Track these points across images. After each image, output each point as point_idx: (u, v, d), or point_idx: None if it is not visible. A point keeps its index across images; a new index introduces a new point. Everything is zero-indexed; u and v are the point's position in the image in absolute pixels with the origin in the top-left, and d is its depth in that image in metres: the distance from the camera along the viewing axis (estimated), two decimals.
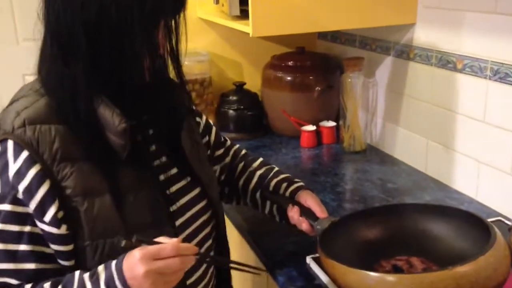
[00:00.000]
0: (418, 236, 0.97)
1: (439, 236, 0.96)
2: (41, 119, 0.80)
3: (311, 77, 1.83)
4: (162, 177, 0.92)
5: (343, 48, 1.90)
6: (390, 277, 0.79)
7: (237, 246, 1.36)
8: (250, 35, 1.35)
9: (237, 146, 1.22)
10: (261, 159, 1.20)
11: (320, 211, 1.01)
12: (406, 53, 1.54)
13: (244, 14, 1.58)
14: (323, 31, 1.92)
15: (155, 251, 0.75)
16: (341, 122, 1.76)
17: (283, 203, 1.06)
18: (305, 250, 1.13)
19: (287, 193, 1.08)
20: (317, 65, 1.87)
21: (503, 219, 1.21)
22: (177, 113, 0.96)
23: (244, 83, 1.96)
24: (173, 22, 0.84)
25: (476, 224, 0.89)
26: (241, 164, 1.17)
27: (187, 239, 0.93)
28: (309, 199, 1.04)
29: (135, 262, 0.74)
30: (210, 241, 1.01)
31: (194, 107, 1.10)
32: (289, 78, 1.85)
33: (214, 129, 1.16)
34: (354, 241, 0.98)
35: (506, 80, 1.19)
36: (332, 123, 1.83)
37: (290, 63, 1.87)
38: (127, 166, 0.84)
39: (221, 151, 1.17)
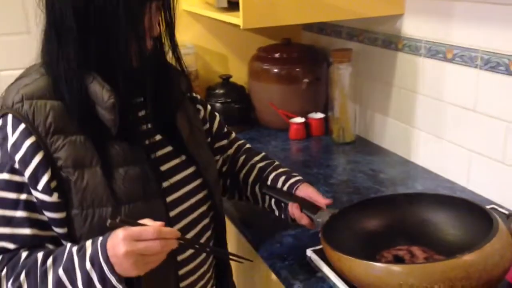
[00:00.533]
0: (418, 225, 0.98)
1: (439, 225, 0.96)
2: (38, 95, 0.86)
3: (298, 69, 1.83)
4: (155, 154, 0.95)
5: (329, 39, 1.90)
6: (399, 268, 0.79)
7: (234, 241, 1.36)
8: (241, 27, 1.33)
9: (242, 140, 1.25)
10: (263, 153, 1.21)
11: (322, 199, 1.03)
12: (394, 43, 1.55)
13: (231, 6, 1.57)
14: (313, 22, 1.91)
15: (137, 232, 0.78)
16: (330, 114, 1.76)
17: (282, 197, 1.07)
18: (303, 243, 1.13)
19: (285, 187, 1.09)
20: (304, 56, 1.86)
21: (496, 207, 1.23)
22: (173, 95, 0.99)
23: (231, 76, 1.94)
24: (165, 5, 0.88)
25: (475, 212, 0.90)
26: (243, 157, 1.18)
27: (180, 217, 0.96)
28: (309, 190, 1.06)
29: (118, 241, 0.77)
30: (207, 220, 1.02)
31: (198, 97, 1.13)
32: (276, 70, 1.84)
33: (217, 119, 1.18)
34: (355, 232, 0.98)
35: (497, 70, 1.20)
36: (320, 115, 1.83)
37: (276, 55, 1.86)
38: (120, 142, 0.89)
39: (223, 142, 1.18)
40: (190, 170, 0.99)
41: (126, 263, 0.77)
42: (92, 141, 0.86)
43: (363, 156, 1.62)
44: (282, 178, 1.10)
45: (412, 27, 1.46)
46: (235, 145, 1.21)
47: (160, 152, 0.96)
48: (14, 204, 0.84)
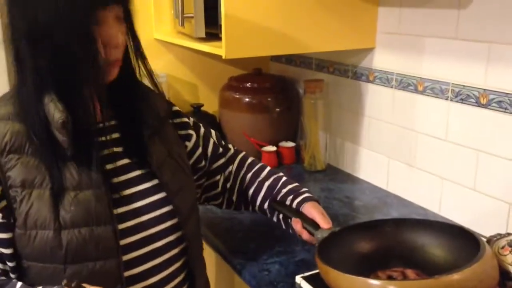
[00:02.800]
0: (413, 249, 1.01)
1: (433, 249, 1.01)
2: (0, 117, 0.88)
3: (269, 98, 1.86)
4: (119, 179, 0.94)
5: (298, 70, 1.95)
6: (395, 285, 0.82)
7: (215, 270, 1.35)
8: (223, 57, 1.36)
9: (243, 153, 1.28)
10: (268, 168, 1.25)
11: (323, 221, 1.06)
12: (365, 75, 1.61)
13: (208, 36, 1.59)
14: (291, 53, 1.97)
15: None
16: (301, 142, 1.80)
17: (289, 213, 1.13)
18: (290, 269, 1.15)
19: (294, 205, 1.13)
20: (275, 86, 1.90)
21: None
22: (147, 117, 0.99)
23: (202, 105, 1.96)
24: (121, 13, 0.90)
25: (465, 237, 0.95)
26: (250, 175, 1.21)
27: (135, 246, 0.93)
28: (313, 211, 1.09)
29: None
30: (176, 250, 1.00)
31: (189, 121, 1.15)
32: (247, 99, 1.87)
33: (212, 141, 1.20)
34: (352, 251, 1.01)
35: (467, 101, 1.28)
36: (291, 144, 1.87)
37: (248, 85, 1.89)
38: (77, 164, 0.88)
39: (221, 161, 1.21)
40: (158, 196, 0.97)
41: None
42: (45, 163, 0.86)
43: (335, 184, 1.66)
44: (291, 197, 1.15)
45: (383, 60, 1.54)
46: (237, 160, 1.24)
47: (123, 177, 0.94)
48: None
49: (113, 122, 0.98)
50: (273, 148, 1.83)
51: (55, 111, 0.85)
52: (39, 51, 0.85)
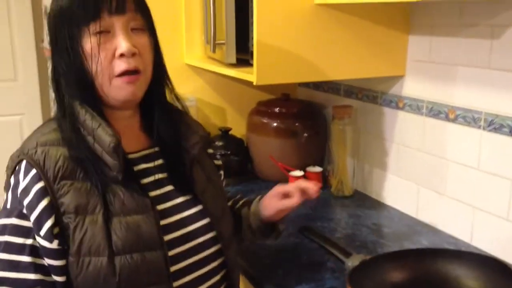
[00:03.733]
0: (447, 281, 1.00)
1: (467, 281, 0.99)
2: (51, 142, 0.89)
3: (297, 124, 1.87)
4: (164, 205, 0.94)
5: (326, 95, 1.96)
6: None
7: None
8: (254, 83, 1.38)
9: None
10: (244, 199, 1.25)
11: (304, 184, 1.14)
12: (395, 102, 1.61)
13: (238, 62, 1.62)
14: (321, 80, 1.98)
15: None
16: (329, 168, 1.80)
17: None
18: None
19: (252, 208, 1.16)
20: (303, 111, 1.91)
21: None
22: (189, 144, 1.00)
23: (230, 129, 1.98)
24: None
25: (500, 270, 0.94)
26: (244, 211, 1.20)
27: (184, 273, 0.94)
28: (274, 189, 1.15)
29: None
30: (217, 277, 1.01)
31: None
32: (275, 124, 1.88)
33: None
34: (383, 281, 1.01)
35: (501, 131, 1.27)
36: (318, 169, 1.87)
37: (276, 110, 1.90)
38: (126, 189, 0.89)
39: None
40: (203, 222, 0.98)
41: None
42: (96, 188, 0.87)
43: (362, 210, 1.65)
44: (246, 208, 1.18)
45: (413, 88, 1.54)
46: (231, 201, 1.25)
47: (169, 203, 0.95)
48: (20, 249, 0.85)
49: (157, 149, 1.00)
50: (301, 173, 1.84)
51: (106, 136, 0.87)
52: (59, 73, 0.92)
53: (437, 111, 1.45)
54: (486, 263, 1.00)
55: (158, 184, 0.95)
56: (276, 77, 1.41)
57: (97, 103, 0.91)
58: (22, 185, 0.86)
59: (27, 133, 3.20)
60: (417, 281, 1.04)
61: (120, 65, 0.88)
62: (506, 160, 1.27)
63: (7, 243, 0.85)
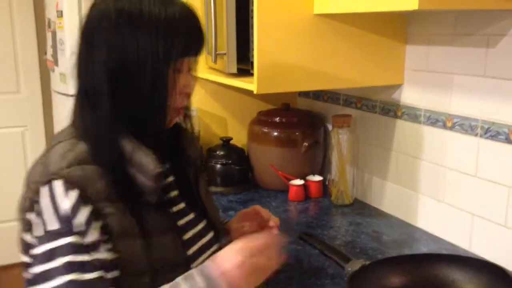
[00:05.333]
0: (445, 285, 1.02)
1: (464, 285, 1.01)
2: (86, 160, 0.86)
3: (297, 133, 1.89)
4: (181, 221, 0.98)
5: (325, 105, 1.99)
6: None
7: None
8: (255, 92, 1.40)
9: None
10: None
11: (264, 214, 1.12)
12: (393, 111, 1.64)
13: (239, 72, 1.64)
14: (319, 89, 2.01)
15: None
16: (328, 177, 1.82)
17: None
18: None
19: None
20: (303, 121, 1.94)
21: None
22: (195, 161, 1.04)
23: (231, 138, 2.00)
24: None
25: (498, 275, 0.95)
26: None
27: None
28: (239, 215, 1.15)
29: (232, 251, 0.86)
30: None
31: None
32: (275, 133, 1.90)
33: None
34: (382, 286, 1.02)
35: (497, 138, 1.29)
36: (318, 177, 1.88)
37: (276, 119, 1.93)
38: (153, 209, 0.90)
39: None
40: (210, 235, 1.02)
41: (243, 271, 0.82)
42: (132, 209, 0.86)
43: (362, 218, 1.66)
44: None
45: (411, 96, 1.56)
46: None
47: (184, 220, 0.99)
48: (84, 266, 0.82)
49: (168, 165, 1.00)
50: (301, 182, 1.85)
51: (148, 160, 0.87)
52: (118, 91, 0.87)
53: (435, 120, 1.48)
54: (483, 268, 1.02)
55: (174, 201, 0.98)
56: (276, 86, 1.43)
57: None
58: (64, 206, 0.81)
59: (29, 145, 3.23)
60: (416, 286, 1.05)
61: (183, 101, 0.94)
62: (503, 167, 1.29)
63: (70, 263, 0.80)
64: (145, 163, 0.87)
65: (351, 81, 1.53)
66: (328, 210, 1.76)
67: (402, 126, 1.61)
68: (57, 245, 0.80)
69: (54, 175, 0.83)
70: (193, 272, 0.84)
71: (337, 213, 1.73)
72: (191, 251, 0.96)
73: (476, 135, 1.35)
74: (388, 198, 1.70)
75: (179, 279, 0.83)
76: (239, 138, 2.04)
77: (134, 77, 0.86)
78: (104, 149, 0.87)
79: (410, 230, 1.56)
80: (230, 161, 1.94)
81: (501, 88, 1.27)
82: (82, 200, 0.82)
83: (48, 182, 0.83)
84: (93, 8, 0.91)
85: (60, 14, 2.45)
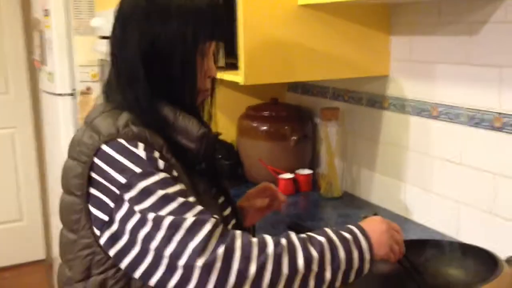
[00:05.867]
0: (432, 270, 1.02)
1: (451, 270, 1.02)
2: (137, 123, 0.90)
3: (286, 127, 1.90)
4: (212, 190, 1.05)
5: (314, 99, 1.99)
6: None
7: None
8: (241, 83, 1.40)
9: None
10: None
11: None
12: (379, 102, 1.64)
13: (227, 66, 1.64)
14: (304, 81, 2.02)
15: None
16: (317, 170, 1.82)
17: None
18: None
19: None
20: (291, 115, 1.94)
21: None
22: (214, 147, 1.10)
23: (220, 134, 1.99)
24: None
25: (484, 258, 0.96)
26: None
27: None
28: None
29: (377, 221, 0.93)
30: None
31: None
32: (264, 128, 1.91)
33: None
34: (370, 273, 1.01)
35: (482, 125, 1.30)
36: (308, 171, 1.89)
37: (265, 114, 1.93)
38: (194, 172, 0.97)
39: None
40: (229, 208, 1.08)
41: (384, 238, 0.89)
42: (183, 167, 0.92)
43: (352, 210, 1.67)
44: None
45: (397, 87, 1.57)
46: None
47: (213, 190, 1.05)
48: (183, 192, 0.86)
49: None
50: (290, 176, 1.86)
51: (193, 124, 0.93)
52: (152, 71, 0.93)
53: (421, 109, 1.48)
54: (468, 252, 1.02)
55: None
56: (263, 77, 1.44)
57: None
58: (139, 152, 0.86)
59: (19, 146, 3.21)
60: (402, 272, 1.05)
61: (208, 84, 1.03)
62: (487, 154, 1.30)
63: (169, 196, 0.83)
64: (189, 126, 0.93)
65: (337, 72, 1.54)
66: (318, 203, 1.76)
67: (389, 117, 1.61)
68: (150, 183, 0.83)
69: (113, 135, 0.88)
70: (339, 227, 0.89)
71: (326, 206, 1.73)
72: (224, 213, 1.04)
73: (461, 123, 1.36)
74: (377, 190, 1.71)
75: (325, 228, 0.89)
76: (229, 134, 2.04)
77: (165, 60, 0.93)
78: (148, 116, 0.92)
79: (398, 221, 1.56)
80: (219, 156, 1.94)
81: (484, 75, 1.28)
82: (150, 149, 0.87)
83: (109, 141, 0.87)
84: None
85: (47, 13, 2.44)
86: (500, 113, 1.25)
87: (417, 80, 1.49)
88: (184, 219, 0.80)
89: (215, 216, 0.84)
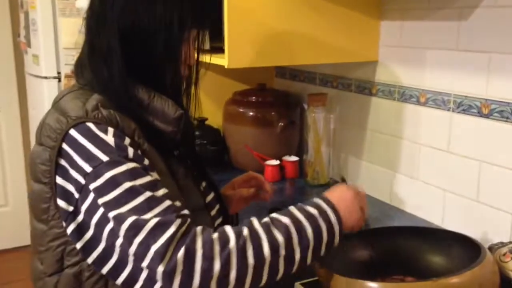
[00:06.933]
0: (414, 257, 1.01)
1: (433, 257, 1.01)
2: (107, 106, 0.85)
3: (273, 113, 1.87)
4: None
5: (302, 85, 1.96)
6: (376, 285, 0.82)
7: None
8: (226, 67, 1.37)
9: None
10: None
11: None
12: (368, 89, 1.62)
13: (214, 50, 1.61)
14: (291, 65, 1.99)
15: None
16: (304, 157, 1.80)
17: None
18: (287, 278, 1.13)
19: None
20: (279, 101, 1.91)
21: None
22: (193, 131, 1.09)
23: (206, 119, 1.97)
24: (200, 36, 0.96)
25: (466, 245, 0.95)
26: None
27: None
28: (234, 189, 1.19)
29: (342, 188, 0.92)
30: None
31: None
32: (251, 113, 1.88)
33: None
34: (351, 259, 1.01)
35: (469, 112, 1.28)
36: (294, 158, 1.87)
37: (252, 99, 1.90)
38: (172, 156, 0.94)
39: None
40: (212, 194, 1.04)
41: (353, 206, 0.87)
42: (159, 152, 0.88)
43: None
44: None
45: (386, 73, 1.54)
46: None
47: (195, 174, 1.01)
48: (154, 184, 0.82)
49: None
50: (277, 162, 1.83)
51: (169, 105, 0.89)
52: (130, 51, 0.88)
53: (409, 96, 1.46)
54: (452, 239, 1.01)
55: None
56: (248, 61, 1.41)
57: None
58: (109, 139, 0.81)
59: (4, 129, 3.17)
60: (386, 258, 1.04)
61: (185, 71, 0.98)
62: (474, 141, 1.28)
63: (136, 187, 0.79)
64: (165, 108, 0.89)
65: (325, 56, 1.51)
66: (304, 190, 1.74)
67: (377, 104, 1.59)
68: (117, 172, 0.79)
69: (81, 118, 0.83)
70: (305, 203, 0.87)
71: (312, 193, 1.71)
72: (207, 199, 1.00)
73: (449, 109, 1.34)
74: (364, 177, 1.69)
75: (290, 207, 0.87)
76: (215, 119, 2.01)
77: (146, 42, 0.88)
78: (121, 97, 0.87)
79: (384, 208, 1.55)
80: (205, 142, 1.91)
81: (473, 60, 1.25)
82: (120, 134, 0.82)
83: (78, 124, 0.82)
84: None
85: None
86: (487, 100, 1.23)
87: (406, 66, 1.47)
88: (147, 220, 0.76)
89: (183, 212, 0.80)
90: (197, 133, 1.92)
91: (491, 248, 1.02)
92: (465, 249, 0.96)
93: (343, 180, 0.94)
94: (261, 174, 1.80)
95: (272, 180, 1.81)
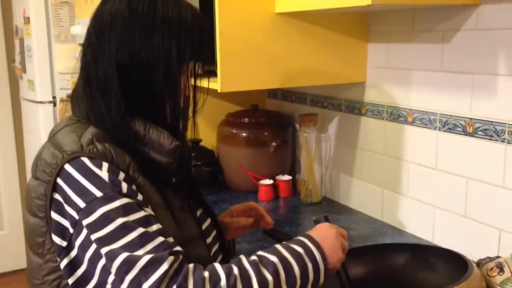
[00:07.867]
0: (404, 274, 1.04)
1: (423, 273, 1.03)
2: (103, 139, 0.86)
3: (266, 133, 1.91)
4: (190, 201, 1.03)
5: (294, 106, 2.01)
6: None
7: None
8: (219, 91, 1.41)
9: None
10: None
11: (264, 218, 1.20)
12: (357, 109, 1.66)
13: (206, 74, 1.65)
14: (283, 87, 2.03)
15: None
16: (297, 176, 1.84)
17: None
18: None
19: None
20: (271, 121, 1.95)
21: None
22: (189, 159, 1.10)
23: (200, 140, 2.00)
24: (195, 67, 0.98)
25: (455, 260, 0.98)
26: None
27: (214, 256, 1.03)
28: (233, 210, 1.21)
29: (326, 227, 0.95)
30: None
31: None
32: (244, 134, 1.92)
33: None
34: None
35: (455, 130, 1.32)
36: (287, 177, 1.90)
37: (245, 120, 1.94)
38: (168, 187, 0.95)
39: None
40: (209, 220, 1.06)
41: (336, 244, 0.90)
42: (155, 184, 0.90)
43: (331, 215, 1.65)
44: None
45: (374, 93, 1.59)
46: None
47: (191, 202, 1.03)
48: (147, 220, 0.82)
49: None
50: (270, 182, 1.87)
51: (165, 137, 0.90)
52: (128, 84, 0.89)
53: (397, 115, 1.51)
54: (441, 255, 1.04)
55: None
56: (240, 84, 1.45)
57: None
58: (103, 174, 0.82)
59: (0, 154, 3.19)
60: (377, 275, 1.07)
61: (182, 102, 0.99)
62: (460, 159, 1.32)
63: (130, 223, 0.80)
64: (161, 139, 0.89)
65: (315, 79, 1.55)
66: (297, 208, 1.77)
67: (367, 123, 1.63)
68: (110, 208, 0.80)
69: (76, 153, 0.83)
70: (290, 241, 0.89)
71: (306, 211, 1.74)
72: (203, 226, 1.01)
73: (435, 128, 1.38)
74: (355, 195, 1.73)
75: (276, 246, 0.88)
76: (209, 140, 2.04)
77: (145, 74, 0.89)
78: (118, 131, 0.88)
79: (376, 225, 1.59)
80: (199, 163, 1.94)
81: (456, 81, 1.30)
82: (115, 170, 0.83)
83: (72, 159, 0.83)
84: (106, 3, 0.92)
85: (27, 20, 2.44)
86: (471, 119, 1.28)
87: (393, 87, 1.51)
88: (139, 256, 0.77)
89: (176, 249, 0.81)
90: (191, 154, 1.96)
91: (479, 263, 1.05)
92: (453, 265, 1.00)
93: (326, 219, 0.96)
94: (255, 194, 1.85)
95: (266, 199, 1.84)
